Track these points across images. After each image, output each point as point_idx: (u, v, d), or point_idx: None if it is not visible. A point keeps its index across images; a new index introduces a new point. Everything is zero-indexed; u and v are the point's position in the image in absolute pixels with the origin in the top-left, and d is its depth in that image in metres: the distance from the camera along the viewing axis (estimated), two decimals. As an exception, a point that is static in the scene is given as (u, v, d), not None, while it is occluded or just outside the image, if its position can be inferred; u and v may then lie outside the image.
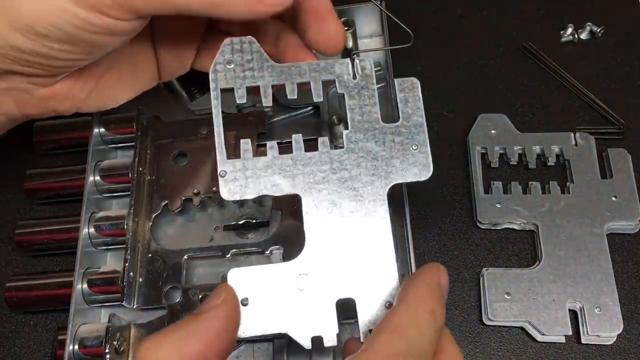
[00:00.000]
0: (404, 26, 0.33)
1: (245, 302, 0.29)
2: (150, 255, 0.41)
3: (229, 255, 0.40)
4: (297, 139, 0.31)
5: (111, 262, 0.44)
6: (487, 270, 0.41)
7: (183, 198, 0.42)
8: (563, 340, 0.40)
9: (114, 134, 0.45)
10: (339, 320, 0.29)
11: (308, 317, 0.29)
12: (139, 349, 0.25)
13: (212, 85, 0.31)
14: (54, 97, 0.35)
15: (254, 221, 0.43)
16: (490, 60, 0.49)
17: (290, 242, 0.40)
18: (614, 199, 0.42)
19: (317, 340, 0.28)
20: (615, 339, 0.39)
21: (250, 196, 0.30)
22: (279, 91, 0.45)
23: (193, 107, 0.46)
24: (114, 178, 0.44)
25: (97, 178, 0.44)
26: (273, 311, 0.28)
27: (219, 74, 0.31)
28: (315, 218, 0.30)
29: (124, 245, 0.40)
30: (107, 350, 0.37)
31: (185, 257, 0.40)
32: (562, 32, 0.49)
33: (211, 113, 0.45)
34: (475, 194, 0.43)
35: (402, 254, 0.40)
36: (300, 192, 0.30)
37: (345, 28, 0.45)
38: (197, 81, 0.47)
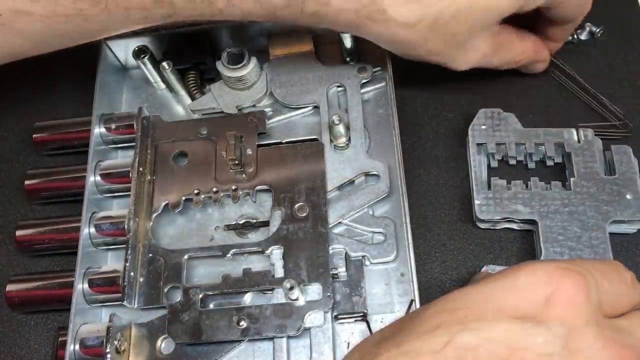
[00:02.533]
0: None
1: None
2: (150, 255, 0.41)
3: (229, 255, 0.41)
4: (535, 180, 0.42)
5: (112, 262, 0.44)
6: (486, 266, 0.41)
7: (183, 198, 0.42)
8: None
9: (114, 134, 0.45)
10: None
11: None
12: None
13: (470, 139, 0.43)
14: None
15: (254, 221, 0.43)
16: (489, 60, 0.49)
17: (291, 242, 0.40)
18: (616, 197, 0.42)
19: None
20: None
21: (497, 218, 0.41)
22: (280, 91, 0.45)
23: (193, 107, 0.46)
24: (115, 178, 0.44)
25: (98, 178, 0.44)
26: None
27: (475, 131, 0.43)
28: (548, 238, 0.40)
29: (124, 245, 0.40)
30: (107, 350, 0.37)
31: (186, 257, 0.41)
32: (561, 32, 0.49)
33: (210, 114, 0.46)
34: (476, 191, 0.43)
35: (402, 254, 0.40)
36: (536, 217, 0.40)
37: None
38: (197, 81, 0.47)
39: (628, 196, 0.42)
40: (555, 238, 0.41)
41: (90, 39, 0.39)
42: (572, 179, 0.42)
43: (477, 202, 0.42)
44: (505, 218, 0.42)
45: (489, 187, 0.43)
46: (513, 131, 0.44)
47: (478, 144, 0.44)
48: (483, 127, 0.45)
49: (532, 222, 0.42)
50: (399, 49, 0.40)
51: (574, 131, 0.44)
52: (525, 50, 0.44)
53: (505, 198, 0.42)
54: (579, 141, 0.44)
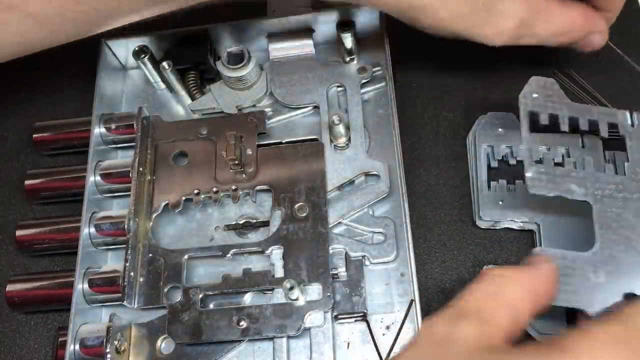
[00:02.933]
0: None
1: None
2: (150, 255, 0.41)
3: (229, 255, 0.41)
4: (588, 159, 0.38)
5: (112, 262, 0.44)
6: (486, 267, 0.41)
7: (183, 198, 0.42)
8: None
9: (114, 134, 0.45)
10: None
11: (601, 304, 0.34)
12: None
13: (521, 107, 0.38)
14: None
15: (254, 221, 0.43)
16: (489, 61, 0.49)
17: (291, 242, 0.40)
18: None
19: None
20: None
21: (549, 194, 0.36)
22: (280, 91, 0.45)
23: (193, 107, 0.46)
24: (115, 178, 0.44)
25: (98, 178, 0.44)
26: (573, 289, 0.34)
27: (528, 99, 0.38)
28: (604, 222, 0.36)
29: (124, 245, 0.40)
30: (107, 350, 0.37)
31: (186, 257, 0.41)
32: (561, 32, 0.49)
33: (210, 114, 0.46)
34: (478, 192, 0.43)
35: (402, 254, 0.40)
36: (591, 200, 0.36)
37: (345, 28, 0.45)
38: (197, 81, 0.47)
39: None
40: (557, 238, 0.41)
41: (101, 26, 0.37)
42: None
43: (479, 204, 0.42)
44: (507, 218, 0.42)
45: (489, 187, 0.43)
46: (517, 135, 0.43)
47: (485, 148, 0.44)
48: (486, 130, 0.44)
49: (534, 222, 0.42)
50: (416, 17, 0.37)
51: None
52: (573, 19, 0.39)
53: (507, 197, 0.42)
54: (583, 147, 0.43)
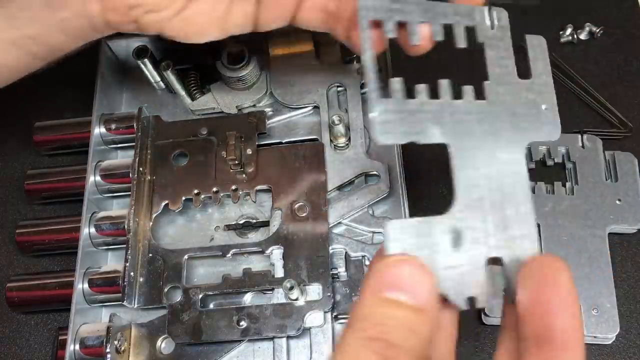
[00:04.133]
0: None
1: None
2: (150, 255, 0.41)
3: (229, 255, 0.41)
4: (445, 83, 0.29)
5: (112, 262, 0.44)
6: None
7: (183, 198, 0.42)
8: (562, 339, 0.40)
9: (114, 134, 0.45)
10: None
11: (462, 276, 0.27)
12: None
13: (361, 15, 0.29)
14: (139, 6, 0.34)
15: (254, 221, 0.43)
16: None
17: (291, 242, 0.40)
18: (618, 202, 0.42)
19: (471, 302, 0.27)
20: (614, 338, 0.39)
21: (401, 141, 0.28)
22: (277, 88, 0.45)
23: (193, 107, 0.46)
24: (115, 178, 0.44)
25: (98, 178, 0.44)
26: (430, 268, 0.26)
27: (368, 3, 0.29)
28: (463, 170, 0.28)
29: (124, 245, 0.40)
30: (108, 350, 0.37)
31: (186, 257, 0.41)
32: (561, 32, 0.49)
33: (210, 114, 0.46)
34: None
35: (402, 253, 0.40)
36: (449, 141, 0.28)
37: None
38: (197, 81, 0.47)
39: (629, 201, 0.42)
40: (556, 239, 0.41)
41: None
42: (574, 184, 0.43)
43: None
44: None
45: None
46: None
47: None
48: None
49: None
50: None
51: (578, 137, 0.44)
52: None
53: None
54: (583, 147, 0.44)
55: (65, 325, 0.39)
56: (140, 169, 0.42)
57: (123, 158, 0.46)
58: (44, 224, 0.44)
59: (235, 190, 0.42)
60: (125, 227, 0.40)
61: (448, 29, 0.31)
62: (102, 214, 0.43)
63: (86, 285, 0.41)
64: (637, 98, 0.47)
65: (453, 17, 0.31)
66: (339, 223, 0.41)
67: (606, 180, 0.43)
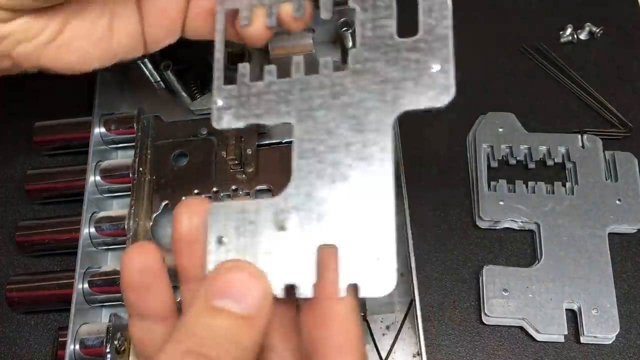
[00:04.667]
0: None
1: (221, 241, 0.26)
2: (150, 255, 0.41)
3: (229, 255, 0.40)
4: (297, 60, 0.27)
5: (112, 262, 0.44)
6: (486, 267, 0.41)
7: (183, 198, 0.42)
8: (562, 339, 0.40)
9: (114, 134, 0.45)
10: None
11: (284, 262, 0.25)
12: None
13: (218, 5, 0.29)
14: (9, 37, 0.30)
15: (254, 221, 0.43)
16: (489, 61, 0.49)
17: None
18: (618, 202, 0.42)
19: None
20: (614, 338, 0.39)
21: (239, 125, 0.27)
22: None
23: (193, 107, 0.46)
24: (115, 178, 0.44)
25: (98, 178, 0.44)
26: (247, 252, 0.25)
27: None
28: (305, 149, 0.26)
29: (124, 245, 0.40)
30: (107, 350, 0.37)
31: (186, 257, 0.40)
32: (561, 32, 0.49)
33: (210, 114, 0.46)
34: (479, 191, 0.43)
35: (402, 254, 0.40)
36: (293, 119, 0.26)
37: (345, 29, 0.45)
38: (197, 81, 0.47)
39: (628, 201, 0.42)
40: (556, 239, 0.41)
41: None
42: (574, 184, 0.43)
43: (480, 203, 0.43)
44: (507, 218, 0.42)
45: (489, 187, 0.43)
46: (517, 135, 0.44)
47: (485, 148, 0.44)
48: (490, 129, 0.45)
49: (534, 223, 0.42)
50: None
51: (578, 137, 0.44)
52: None
53: (508, 197, 0.42)
54: (583, 147, 0.44)
55: (65, 325, 0.39)
56: (140, 169, 0.42)
57: (123, 158, 0.46)
58: (44, 224, 0.44)
59: (235, 190, 0.42)
60: (125, 227, 0.40)
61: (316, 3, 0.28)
62: (102, 214, 0.43)
63: (86, 285, 0.40)
64: (637, 98, 0.47)
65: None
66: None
67: (606, 180, 0.43)
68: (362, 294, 0.24)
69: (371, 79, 0.26)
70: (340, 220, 0.25)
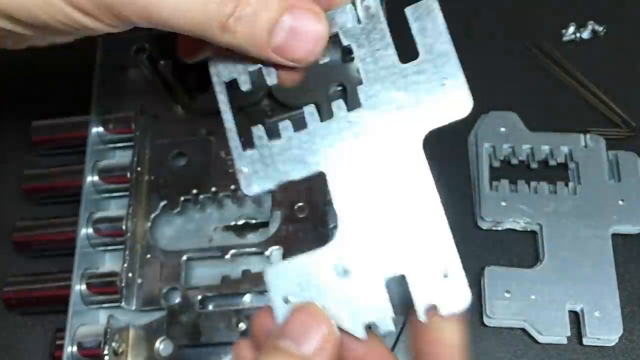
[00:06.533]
0: None
1: (287, 301, 0.26)
2: (149, 256, 0.40)
3: (228, 256, 0.40)
4: (309, 110, 0.27)
5: (110, 263, 0.43)
6: (488, 268, 0.41)
7: (182, 198, 0.42)
8: (565, 341, 0.39)
9: (112, 134, 0.45)
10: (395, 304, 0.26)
11: (357, 305, 0.25)
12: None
13: (214, 78, 0.28)
14: None
15: (254, 221, 0.42)
16: (491, 60, 0.49)
17: (291, 242, 0.40)
18: (621, 202, 0.42)
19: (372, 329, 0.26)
20: (617, 340, 0.39)
21: (272, 187, 0.27)
22: (279, 90, 0.45)
23: (192, 107, 0.46)
24: (113, 178, 0.44)
25: (96, 178, 0.43)
26: (320, 305, 0.25)
27: (219, 66, 0.28)
28: (343, 194, 0.26)
29: (122, 246, 0.40)
30: (105, 352, 0.37)
31: (185, 257, 0.40)
32: (564, 31, 0.49)
33: (209, 113, 0.46)
34: (480, 191, 0.43)
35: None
36: (324, 168, 0.26)
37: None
38: (196, 81, 0.47)
39: (632, 201, 0.42)
40: (559, 240, 0.41)
41: None
42: (577, 184, 0.42)
43: (481, 204, 0.42)
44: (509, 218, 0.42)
45: (491, 187, 0.43)
46: (519, 135, 0.44)
47: (487, 147, 0.44)
48: (492, 129, 0.44)
49: (536, 223, 0.42)
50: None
51: (581, 136, 0.44)
52: None
53: (510, 197, 0.42)
54: (586, 146, 0.43)
55: (63, 327, 0.39)
56: (139, 169, 0.42)
57: (121, 158, 0.46)
58: (41, 225, 0.44)
59: (235, 190, 0.42)
60: (124, 227, 0.40)
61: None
62: (99, 214, 0.43)
63: (84, 287, 0.40)
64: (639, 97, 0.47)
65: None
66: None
67: (609, 180, 0.42)
68: (443, 312, 0.25)
69: (387, 109, 0.26)
70: (400, 250, 0.25)
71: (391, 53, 0.27)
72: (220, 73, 0.28)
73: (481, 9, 0.51)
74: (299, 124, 0.27)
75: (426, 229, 0.26)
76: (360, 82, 0.27)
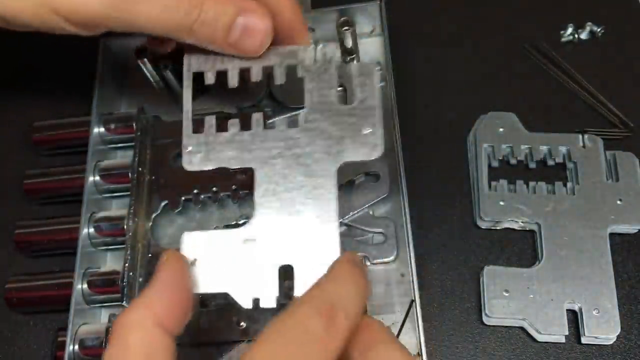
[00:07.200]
0: None
1: (194, 263, 0.31)
2: (150, 255, 0.40)
3: (229, 256, 0.40)
4: (257, 117, 0.34)
5: (111, 263, 0.44)
6: (487, 267, 0.41)
7: (183, 198, 0.42)
8: (563, 340, 0.40)
9: (113, 134, 0.45)
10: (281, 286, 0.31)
11: (251, 280, 0.31)
12: (114, 323, 0.27)
13: (185, 67, 0.35)
14: None
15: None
16: (489, 61, 0.49)
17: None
18: (619, 202, 0.42)
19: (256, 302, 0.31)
20: (615, 339, 0.39)
21: (208, 167, 0.33)
22: (278, 90, 0.45)
23: (193, 107, 0.46)
24: (114, 178, 0.44)
25: (97, 178, 0.44)
26: (218, 272, 0.31)
27: (192, 59, 0.35)
28: (265, 189, 0.32)
29: (123, 246, 0.40)
30: (107, 351, 0.37)
31: (185, 257, 0.40)
32: (562, 32, 0.49)
33: (209, 113, 0.46)
34: (479, 191, 0.43)
35: (402, 254, 0.40)
36: (255, 165, 0.32)
37: (345, 28, 0.45)
38: (196, 81, 0.47)
39: (630, 201, 0.42)
40: (557, 239, 0.41)
41: None
42: (575, 184, 0.42)
43: (480, 203, 0.42)
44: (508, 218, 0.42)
45: (490, 187, 0.43)
46: (518, 135, 0.44)
47: (485, 147, 0.44)
48: (491, 129, 0.44)
49: (535, 223, 0.42)
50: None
51: (579, 136, 0.44)
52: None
53: (508, 197, 0.42)
54: (584, 146, 0.44)
55: (64, 326, 0.39)
56: (140, 168, 0.42)
57: (122, 158, 0.46)
58: (42, 224, 0.44)
59: (235, 189, 0.42)
60: (125, 227, 0.40)
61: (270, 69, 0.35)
62: (101, 214, 0.43)
63: (85, 286, 0.40)
64: (639, 98, 0.47)
65: (273, 59, 0.35)
66: (339, 223, 0.41)
67: (607, 180, 0.43)
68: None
69: (318, 135, 0.33)
70: (295, 246, 0.31)
71: (333, 94, 0.33)
72: (191, 65, 0.35)
73: (479, 9, 0.51)
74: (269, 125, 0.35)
75: (320, 233, 0.31)
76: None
